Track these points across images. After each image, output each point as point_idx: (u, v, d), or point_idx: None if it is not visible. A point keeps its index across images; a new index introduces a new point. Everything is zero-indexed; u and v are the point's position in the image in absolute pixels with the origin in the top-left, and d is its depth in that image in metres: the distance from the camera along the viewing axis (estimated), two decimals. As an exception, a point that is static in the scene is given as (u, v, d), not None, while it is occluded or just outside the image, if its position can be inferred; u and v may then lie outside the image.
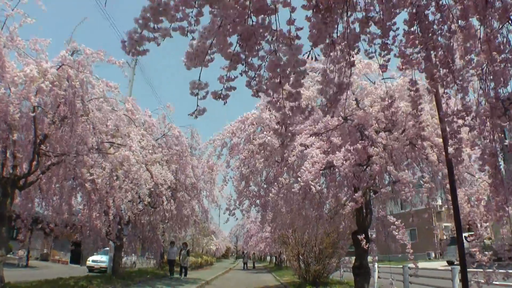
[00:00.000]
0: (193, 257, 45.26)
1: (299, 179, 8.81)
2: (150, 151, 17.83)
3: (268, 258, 75.30)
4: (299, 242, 22.54)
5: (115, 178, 15.48)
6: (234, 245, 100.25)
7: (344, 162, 8.79)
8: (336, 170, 9.93)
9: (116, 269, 23.69)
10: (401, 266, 15.05)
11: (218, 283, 28.33)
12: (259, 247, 50.84)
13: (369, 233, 12.21)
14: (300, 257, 22.71)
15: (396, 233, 9.35)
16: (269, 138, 10.47)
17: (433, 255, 48.89)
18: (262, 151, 11.39)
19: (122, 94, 14.83)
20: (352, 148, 8.86)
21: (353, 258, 18.91)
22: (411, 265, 15.09)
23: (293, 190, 9.00)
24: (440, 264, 34.49)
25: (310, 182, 8.76)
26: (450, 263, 35.34)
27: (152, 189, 19.23)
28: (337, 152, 9.17)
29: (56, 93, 11.60)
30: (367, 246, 10.57)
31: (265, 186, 12.74)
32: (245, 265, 57.15)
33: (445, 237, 49.45)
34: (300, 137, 9.90)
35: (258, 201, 12.94)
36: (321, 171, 9.17)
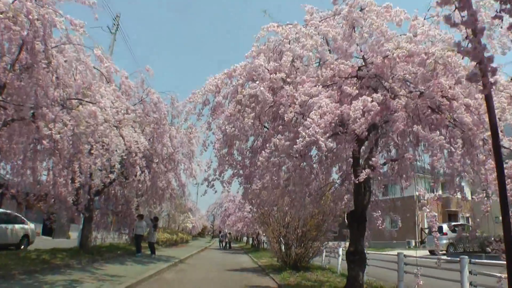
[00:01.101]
0: (168, 234, 43.87)
1: (303, 133, 7.17)
2: (123, 111, 15.96)
3: (245, 238, 74.25)
4: (281, 223, 21.21)
5: (82, 141, 13.75)
6: (211, 224, 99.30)
7: (360, 117, 7.13)
8: (346, 131, 8.19)
9: (84, 243, 22.01)
10: (385, 253, 13.68)
11: (192, 262, 26.97)
12: (236, 226, 49.58)
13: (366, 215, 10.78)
14: (281, 239, 21.40)
15: (428, 210, 7.81)
16: (262, 89, 8.54)
17: (413, 243, 48.10)
18: (253, 104, 9.31)
19: (89, 35, 12.59)
20: (370, 100, 7.26)
21: (337, 243, 17.76)
22: (407, 252, 13.90)
23: (295, 146, 7.27)
24: (423, 253, 33.62)
25: (318, 137, 7.17)
26: (432, 252, 34.52)
27: (125, 157, 17.53)
28: (353, 102, 7.55)
29: (11, 31, 9.75)
30: (383, 225, 9.06)
31: (250, 155, 11.06)
32: (226, 245, 55.97)
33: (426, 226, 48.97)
34: (303, 86, 8.25)
35: (241, 171, 11.18)
36: (332, 124, 7.49)
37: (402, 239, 44.17)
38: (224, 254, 41.20)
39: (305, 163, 10.38)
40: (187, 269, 21.41)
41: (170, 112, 21.86)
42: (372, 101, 7.24)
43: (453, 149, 7.20)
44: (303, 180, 11.07)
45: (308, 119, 7.25)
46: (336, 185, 13.51)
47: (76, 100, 13.37)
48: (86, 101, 13.26)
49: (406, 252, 31.60)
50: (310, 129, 7.02)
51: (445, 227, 35.15)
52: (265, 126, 10.42)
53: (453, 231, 34.07)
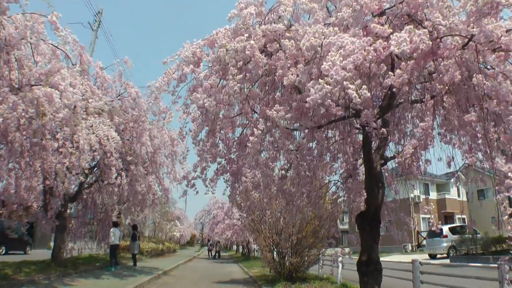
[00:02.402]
0: (154, 243, 41.81)
1: (324, 79, 5.07)
2: (92, 100, 13.88)
3: (235, 247, 72.18)
4: (274, 230, 19.27)
5: (42, 133, 11.74)
6: (200, 232, 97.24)
7: (410, 49, 4.98)
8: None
9: (57, 255, 19.75)
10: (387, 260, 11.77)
11: (178, 273, 24.97)
12: (225, 234, 47.49)
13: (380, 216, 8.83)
14: (274, 247, 19.45)
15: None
16: (252, 43, 6.33)
17: (409, 248, 46.51)
18: (240, 63, 6.69)
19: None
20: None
21: (339, 250, 15.94)
22: (404, 257, 12.05)
23: (308, 99, 5.09)
24: (421, 257, 32.15)
25: (345, 83, 5.13)
26: (432, 256, 33.15)
27: (98, 156, 15.37)
28: (397, 33, 5.18)
29: None
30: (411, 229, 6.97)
31: (238, 146, 8.94)
32: (216, 254, 53.54)
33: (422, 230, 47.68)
34: (311, 26, 6.15)
35: (227, 166, 8.92)
36: (365, 63, 5.27)
37: (398, 243, 42.72)
38: (213, 263, 39.29)
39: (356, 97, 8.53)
40: (170, 282, 19.44)
41: (151, 109, 19.72)
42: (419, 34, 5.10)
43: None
44: (301, 178, 9.25)
45: (324, 63, 5.22)
46: (339, 183, 11.66)
47: (37, 86, 11.35)
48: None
49: (403, 257, 30.00)
50: (332, 72, 4.98)
51: (445, 229, 33.70)
52: (255, 111, 8.29)
53: (453, 233, 32.85)
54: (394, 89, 5.41)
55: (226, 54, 6.67)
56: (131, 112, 18.51)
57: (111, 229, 22.64)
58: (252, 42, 6.35)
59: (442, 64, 5.23)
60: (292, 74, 6.00)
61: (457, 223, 45.11)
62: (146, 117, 18.98)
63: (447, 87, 5.25)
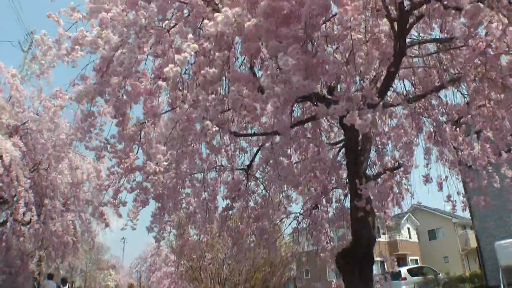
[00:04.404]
0: (82, 295, 38.24)
1: None
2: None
3: (175, 298, 68.43)
4: (216, 279, 16.53)
5: None
6: (138, 282, 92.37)
7: None
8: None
9: None
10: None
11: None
12: (162, 284, 43.76)
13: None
14: (217, 300, 16.71)
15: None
16: None
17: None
18: None
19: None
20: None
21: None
22: None
23: None
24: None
25: None
26: (396, 301, 31.43)
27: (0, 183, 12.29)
28: None
29: None
30: None
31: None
32: None
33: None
34: None
35: (147, 184, 5.68)
36: None
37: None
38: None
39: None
40: None
41: (75, 133, 16.54)
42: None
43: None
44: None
45: None
46: (300, 217, 9.16)
47: None
48: None
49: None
50: None
51: (403, 271, 32.23)
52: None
53: (412, 274, 31.91)
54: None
55: None
56: (48, 135, 15.33)
57: (44, 282, 20.24)
58: None
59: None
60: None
61: (411, 265, 43.95)
62: (69, 145, 16.01)
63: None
